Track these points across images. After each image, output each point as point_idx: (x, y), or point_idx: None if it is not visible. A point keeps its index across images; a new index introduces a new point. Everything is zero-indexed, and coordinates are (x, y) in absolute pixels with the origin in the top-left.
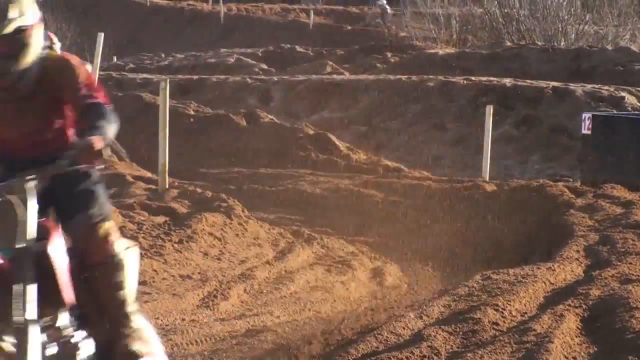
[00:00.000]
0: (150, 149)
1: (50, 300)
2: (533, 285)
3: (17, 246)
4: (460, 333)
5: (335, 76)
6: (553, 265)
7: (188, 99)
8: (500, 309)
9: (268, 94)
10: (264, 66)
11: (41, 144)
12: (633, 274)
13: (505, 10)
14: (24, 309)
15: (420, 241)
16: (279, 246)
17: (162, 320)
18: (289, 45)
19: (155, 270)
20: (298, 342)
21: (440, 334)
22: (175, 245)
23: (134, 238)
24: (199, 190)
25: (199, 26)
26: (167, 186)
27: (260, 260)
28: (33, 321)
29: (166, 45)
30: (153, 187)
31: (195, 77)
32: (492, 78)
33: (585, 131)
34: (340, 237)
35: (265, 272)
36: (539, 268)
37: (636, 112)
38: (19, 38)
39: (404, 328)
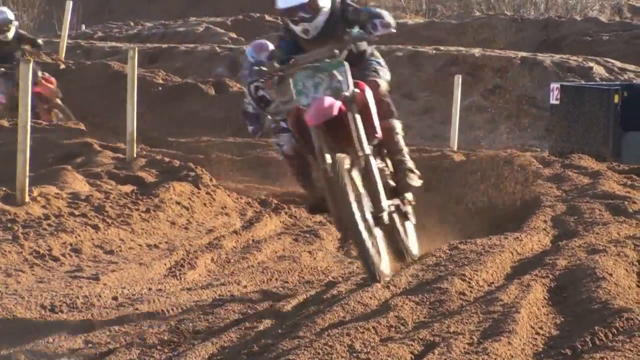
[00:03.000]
0: (119, 117)
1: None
2: (500, 255)
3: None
4: (427, 303)
5: None
6: (520, 235)
7: (157, 68)
8: (468, 279)
9: (237, 63)
10: (233, 35)
11: None
12: (600, 244)
13: None
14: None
15: None
16: (246, 215)
17: (128, 290)
18: (258, 14)
19: (122, 240)
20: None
21: (407, 304)
22: (143, 214)
23: (101, 207)
24: (166, 159)
25: None
26: (134, 155)
27: (228, 229)
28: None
29: (135, 13)
30: (121, 155)
31: (164, 45)
32: (461, 48)
33: (553, 101)
34: None
35: (232, 241)
36: (506, 238)
37: (604, 83)
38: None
39: (371, 298)
